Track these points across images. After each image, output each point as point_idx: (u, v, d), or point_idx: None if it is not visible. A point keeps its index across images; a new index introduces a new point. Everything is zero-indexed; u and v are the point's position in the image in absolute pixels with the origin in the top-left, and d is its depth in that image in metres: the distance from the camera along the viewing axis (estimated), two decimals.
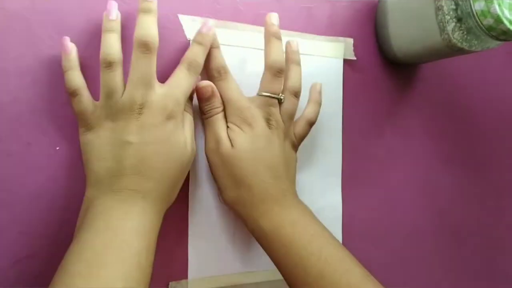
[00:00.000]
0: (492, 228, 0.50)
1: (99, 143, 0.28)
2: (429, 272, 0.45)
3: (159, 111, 0.28)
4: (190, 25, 0.34)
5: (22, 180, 0.29)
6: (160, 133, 0.28)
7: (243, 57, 0.36)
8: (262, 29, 0.33)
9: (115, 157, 0.27)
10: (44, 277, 0.29)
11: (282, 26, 0.37)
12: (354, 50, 0.40)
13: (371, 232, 0.41)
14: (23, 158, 0.29)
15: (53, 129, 0.30)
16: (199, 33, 0.31)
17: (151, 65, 0.28)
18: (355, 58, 0.40)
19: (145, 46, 0.28)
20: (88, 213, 0.27)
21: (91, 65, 0.31)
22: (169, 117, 0.29)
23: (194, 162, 0.34)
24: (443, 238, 0.46)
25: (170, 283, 0.33)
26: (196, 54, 0.31)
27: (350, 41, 0.40)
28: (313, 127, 0.36)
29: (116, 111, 0.28)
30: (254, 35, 0.36)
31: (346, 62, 0.40)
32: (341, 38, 0.40)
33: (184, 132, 0.30)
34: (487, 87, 0.49)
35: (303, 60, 0.38)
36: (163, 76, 0.33)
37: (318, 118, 0.37)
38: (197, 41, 0.31)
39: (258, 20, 0.36)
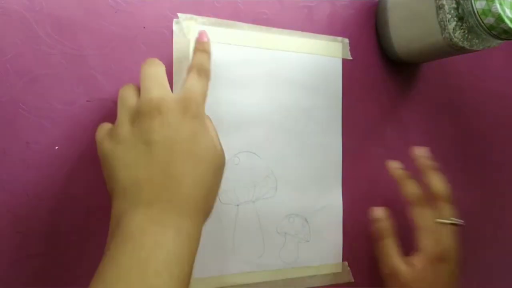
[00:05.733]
0: (493, 227, 0.49)
1: (122, 149, 0.26)
2: None
3: (180, 110, 0.26)
4: (190, 25, 0.33)
5: (21, 179, 0.29)
6: (185, 131, 0.26)
7: (243, 55, 0.35)
8: (261, 28, 0.33)
9: (141, 163, 0.25)
10: (44, 277, 0.29)
11: (282, 25, 0.37)
12: (353, 50, 0.40)
13: (371, 232, 0.41)
14: (22, 157, 0.29)
15: (52, 129, 0.30)
16: (199, 42, 0.31)
17: (163, 74, 0.29)
18: (351, 58, 0.40)
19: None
20: (116, 233, 0.23)
21: (91, 64, 0.30)
22: (192, 116, 0.26)
23: None
24: None
25: None
26: (202, 60, 0.30)
27: (346, 41, 0.40)
28: (313, 126, 0.36)
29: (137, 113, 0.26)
30: (253, 34, 0.36)
31: (346, 61, 0.40)
32: (339, 38, 0.40)
33: (210, 133, 0.28)
34: (488, 86, 0.49)
35: (303, 59, 0.38)
36: None
37: (318, 117, 0.37)
38: (199, 49, 0.31)
39: (258, 18, 0.36)
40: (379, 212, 0.38)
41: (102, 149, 0.27)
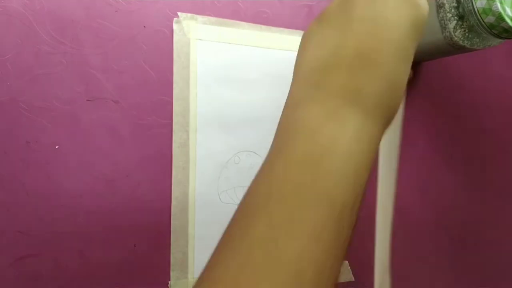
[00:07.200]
0: (493, 227, 0.49)
1: (320, 26, 0.22)
2: (430, 271, 0.45)
3: None
4: (190, 24, 0.33)
5: (21, 179, 0.29)
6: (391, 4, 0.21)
7: (243, 55, 0.35)
8: (261, 27, 0.33)
9: (335, 42, 0.20)
10: (44, 277, 0.29)
11: (282, 24, 0.37)
12: None
13: (371, 232, 0.41)
14: (22, 157, 0.29)
15: (52, 128, 0.30)
16: None
17: None
18: None
19: None
20: (286, 127, 0.20)
21: (92, 64, 0.30)
22: None
23: (196, 161, 0.33)
24: (444, 238, 0.46)
25: (170, 282, 0.33)
26: None
27: None
28: None
29: None
30: (253, 33, 0.36)
31: None
32: None
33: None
34: (489, 85, 0.49)
35: None
36: (162, 74, 0.33)
37: None
38: None
39: (258, 18, 0.36)
40: None
41: (306, 32, 0.23)
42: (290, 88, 0.22)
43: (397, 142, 0.37)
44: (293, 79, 0.22)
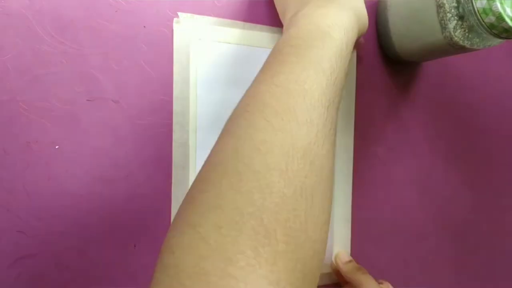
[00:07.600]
0: (493, 226, 0.49)
1: None
2: (431, 270, 0.45)
3: None
4: (191, 24, 0.33)
5: (21, 179, 0.29)
6: None
7: (243, 55, 0.35)
8: (262, 27, 0.33)
9: None
10: (44, 277, 0.29)
11: (282, 24, 0.37)
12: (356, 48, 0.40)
13: (373, 231, 0.41)
14: (22, 157, 0.29)
15: (53, 128, 0.30)
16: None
17: None
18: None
19: None
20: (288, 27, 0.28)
21: (92, 64, 0.30)
22: None
23: (196, 161, 0.33)
24: (445, 237, 0.46)
25: None
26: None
27: None
28: None
29: None
30: (253, 33, 0.36)
31: None
32: None
33: None
34: (489, 84, 0.49)
35: None
36: (162, 74, 0.33)
37: None
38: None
39: (258, 18, 0.36)
40: (345, 256, 0.38)
41: None
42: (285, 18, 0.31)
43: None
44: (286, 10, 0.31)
